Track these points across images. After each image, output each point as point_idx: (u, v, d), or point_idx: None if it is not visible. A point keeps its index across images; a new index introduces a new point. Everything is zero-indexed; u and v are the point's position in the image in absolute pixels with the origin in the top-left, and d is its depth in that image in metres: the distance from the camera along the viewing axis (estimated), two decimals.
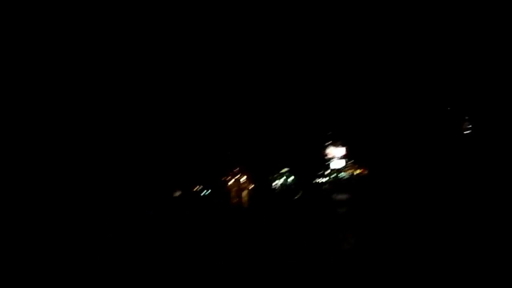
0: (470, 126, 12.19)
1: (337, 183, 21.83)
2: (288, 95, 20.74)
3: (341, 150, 23.29)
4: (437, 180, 12.11)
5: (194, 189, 28.37)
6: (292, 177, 23.85)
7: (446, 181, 11.76)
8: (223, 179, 26.30)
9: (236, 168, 25.64)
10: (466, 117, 12.31)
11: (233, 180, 25.64)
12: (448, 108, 12.97)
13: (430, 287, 3.28)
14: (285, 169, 23.85)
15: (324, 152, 23.15)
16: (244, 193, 24.83)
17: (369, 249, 5.91)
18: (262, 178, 24.15)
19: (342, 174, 22.22)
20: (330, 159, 23.54)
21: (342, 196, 18.68)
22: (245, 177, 25.11)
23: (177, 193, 28.00)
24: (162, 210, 18.74)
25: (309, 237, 8.13)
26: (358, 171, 22.34)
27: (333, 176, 22.48)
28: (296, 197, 20.59)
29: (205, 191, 28.54)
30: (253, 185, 24.99)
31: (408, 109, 14.69)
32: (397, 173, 15.01)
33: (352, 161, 22.48)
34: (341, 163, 23.20)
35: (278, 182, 24.36)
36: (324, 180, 22.90)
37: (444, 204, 8.87)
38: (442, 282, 3.37)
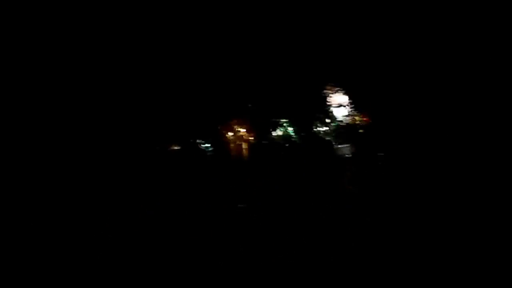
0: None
1: (338, 132, 21.35)
2: (285, 45, 19.83)
3: (343, 98, 22.54)
4: (440, 135, 11.70)
5: (195, 142, 28.29)
6: (292, 128, 23.42)
7: (448, 139, 11.37)
8: (222, 131, 26.04)
9: (235, 120, 25.24)
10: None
11: (232, 132, 25.36)
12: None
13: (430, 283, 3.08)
14: (284, 120, 23.35)
15: (324, 101, 22.46)
16: (244, 145, 24.65)
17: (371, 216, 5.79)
18: (261, 130, 23.80)
19: (343, 123, 21.65)
20: (330, 107, 22.90)
21: (343, 148, 18.35)
22: (244, 129, 24.78)
23: (178, 147, 27.99)
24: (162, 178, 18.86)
25: (310, 197, 7.96)
26: (360, 119, 21.76)
27: (333, 125, 21.91)
28: (295, 150, 20.34)
29: (205, 144, 28.49)
30: (252, 137, 24.74)
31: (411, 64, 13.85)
32: (399, 123, 14.54)
33: (354, 109, 21.82)
34: (343, 111, 22.57)
35: (278, 133, 24.01)
36: (324, 129, 22.43)
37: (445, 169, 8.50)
38: (442, 279, 3.16)
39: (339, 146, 19.69)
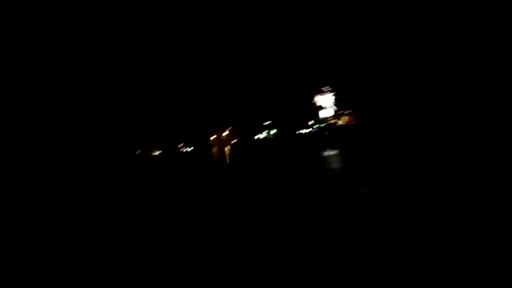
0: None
1: (321, 134, 21.17)
2: (268, 48, 19.71)
3: (327, 100, 22.43)
4: (426, 133, 11.61)
5: (177, 146, 27.78)
6: (275, 130, 23.20)
7: (435, 133, 11.30)
8: (205, 135, 25.64)
9: (218, 123, 24.88)
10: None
11: (215, 135, 24.95)
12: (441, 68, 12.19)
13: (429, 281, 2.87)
14: (268, 122, 23.13)
15: (307, 102, 22.34)
16: (226, 148, 24.25)
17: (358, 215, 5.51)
18: (244, 133, 23.51)
19: (327, 124, 21.55)
20: (314, 109, 22.76)
21: (327, 150, 18.15)
22: (226, 132, 24.42)
23: (159, 152, 27.43)
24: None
25: (295, 198, 7.65)
26: (344, 121, 21.69)
27: (316, 126, 21.79)
28: (278, 152, 20.04)
29: (188, 148, 27.99)
30: (235, 140, 24.39)
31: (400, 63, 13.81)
32: (387, 123, 14.46)
33: (339, 110, 21.73)
34: (326, 113, 22.46)
35: (260, 136, 23.75)
36: (307, 131, 22.27)
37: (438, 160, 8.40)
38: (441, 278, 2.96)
39: (325, 149, 19.53)
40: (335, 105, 22.19)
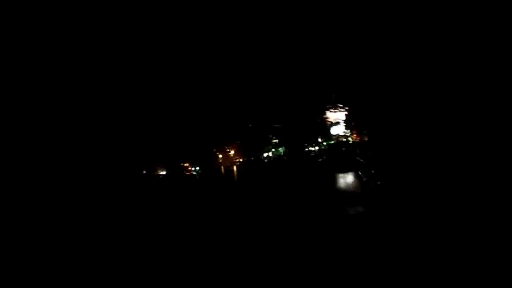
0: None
1: (330, 151, 20.49)
2: (277, 57, 19.23)
3: (336, 116, 21.83)
4: (437, 149, 11.04)
5: (185, 166, 27.33)
6: (282, 148, 22.59)
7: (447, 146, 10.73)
8: (212, 154, 25.13)
9: (225, 142, 24.40)
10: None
11: (222, 155, 24.45)
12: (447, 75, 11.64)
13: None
14: (275, 140, 22.55)
15: (316, 119, 21.76)
16: (234, 168, 23.70)
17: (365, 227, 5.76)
18: (251, 151, 22.95)
19: (336, 142, 20.86)
20: (323, 126, 22.16)
21: (338, 170, 17.51)
22: (233, 151, 23.91)
23: (166, 171, 27.04)
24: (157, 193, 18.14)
25: (302, 214, 7.82)
26: (353, 138, 20.99)
27: (326, 144, 21.11)
28: (286, 170, 19.41)
29: (196, 167, 27.48)
30: (242, 159, 23.83)
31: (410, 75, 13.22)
32: (396, 139, 13.81)
33: (348, 127, 21.09)
34: (335, 130, 21.82)
35: (269, 154, 23.13)
36: (316, 148, 21.60)
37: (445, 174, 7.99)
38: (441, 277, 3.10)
39: (334, 168, 18.83)
40: (345, 121, 21.54)
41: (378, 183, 11.64)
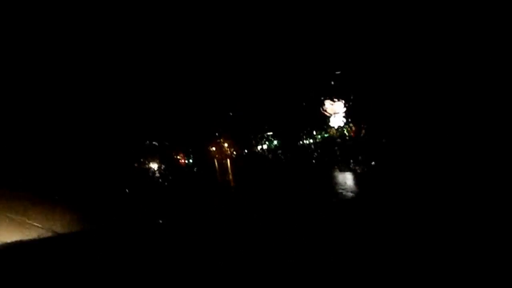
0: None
1: (325, 145, 20.29)
2: (269, 55, 18.91)
3: (332, 108, 21.52)
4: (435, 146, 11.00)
5: (178, 159, 26.98)
6: (276, 141, 22.34)
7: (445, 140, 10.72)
8: (204, 146, 24.82)
9: (218, 135, 24.08)
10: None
11: (215, 148, 24.15)
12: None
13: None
14: (269, 133, 22.29)
15: (311, 111, 21.50)
16: (227, 161, 23.44)
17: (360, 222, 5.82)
18: (245, 144, 22.69)
19: (333, 135, 20.62)
20: (321, 118, 21.89)
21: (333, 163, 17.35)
22: (226, 144, 23.61)
23: (160, 164, 26.67)
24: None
25: (296, 209, 7.73)
26: (352, 132, 20.75)
27: (320, 137, 20.85)
28: (280, 163, 19.27)
29: (189, 160, 27.16)
30: (235, 152, 23.58)
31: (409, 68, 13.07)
32: (394, 131, 13.74)
33: (345, 120, 20.81)
34: (333, 122, 21.51)
35: (262, 147, 22.88)
36: (310, 141, 21.36)
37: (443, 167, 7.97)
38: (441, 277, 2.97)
39: (330, 162, 18.63)
40: (342, 114, 21.20)
41: (375, 178, 11.57)
